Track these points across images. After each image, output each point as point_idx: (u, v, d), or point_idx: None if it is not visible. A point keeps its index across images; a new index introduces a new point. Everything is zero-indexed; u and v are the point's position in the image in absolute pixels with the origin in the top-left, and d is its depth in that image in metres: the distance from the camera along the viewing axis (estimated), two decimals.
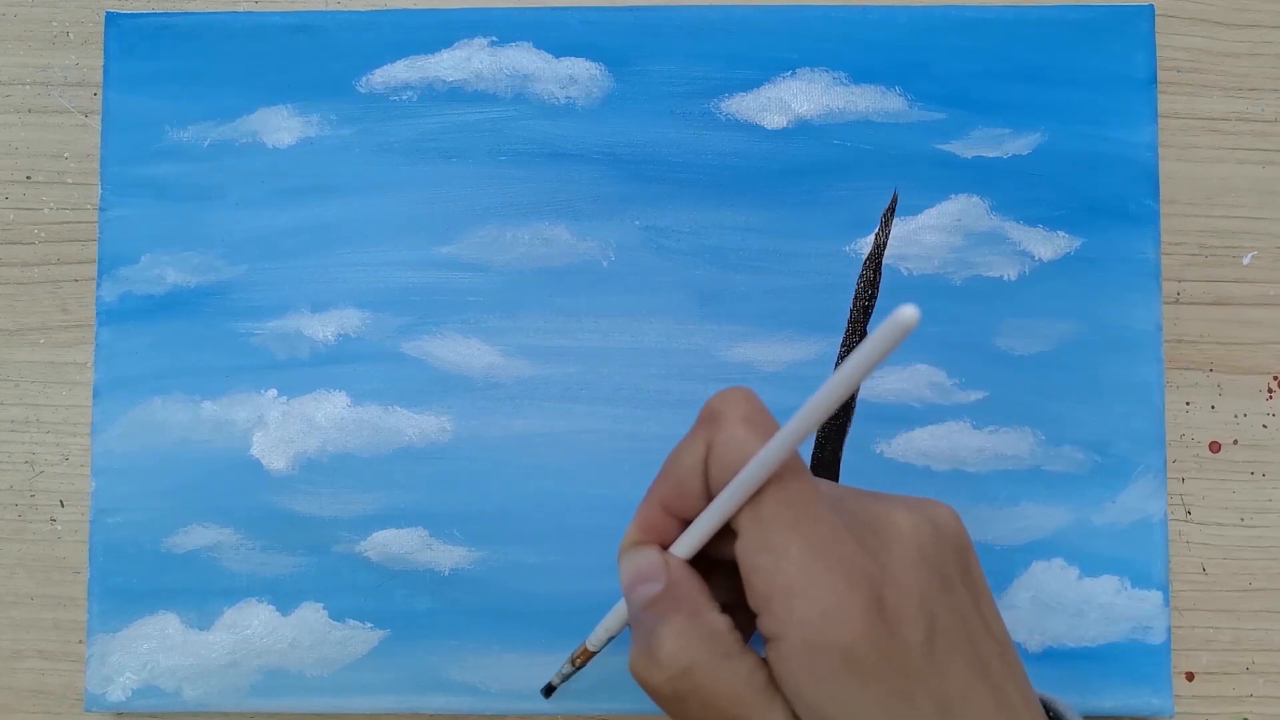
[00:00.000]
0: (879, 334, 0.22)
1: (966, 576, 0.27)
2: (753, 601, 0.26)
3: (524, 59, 0.40)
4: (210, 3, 0.41)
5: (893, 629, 0.24)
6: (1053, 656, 0.38)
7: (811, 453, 0.38)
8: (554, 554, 0.38)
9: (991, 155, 0.39)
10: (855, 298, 0.39)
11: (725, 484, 0.26)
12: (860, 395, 0.39)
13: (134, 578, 0.38)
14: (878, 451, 0.39)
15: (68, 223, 0.41)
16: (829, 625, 0.24)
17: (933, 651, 0.25)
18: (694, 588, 0.27)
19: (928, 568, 0.25)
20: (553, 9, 0.40)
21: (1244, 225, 0.40)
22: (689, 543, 0.28)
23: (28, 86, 0.41)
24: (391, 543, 0.38)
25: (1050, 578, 0.38)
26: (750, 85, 0.40)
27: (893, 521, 0.26)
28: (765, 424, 0.27)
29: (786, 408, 0.39)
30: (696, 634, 0.26)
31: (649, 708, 0.33)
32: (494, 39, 0.40)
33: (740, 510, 0.26)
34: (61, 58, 0.41)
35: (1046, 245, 0.39)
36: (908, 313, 0.21)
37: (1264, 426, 0.40)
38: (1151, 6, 0.40)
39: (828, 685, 0.24)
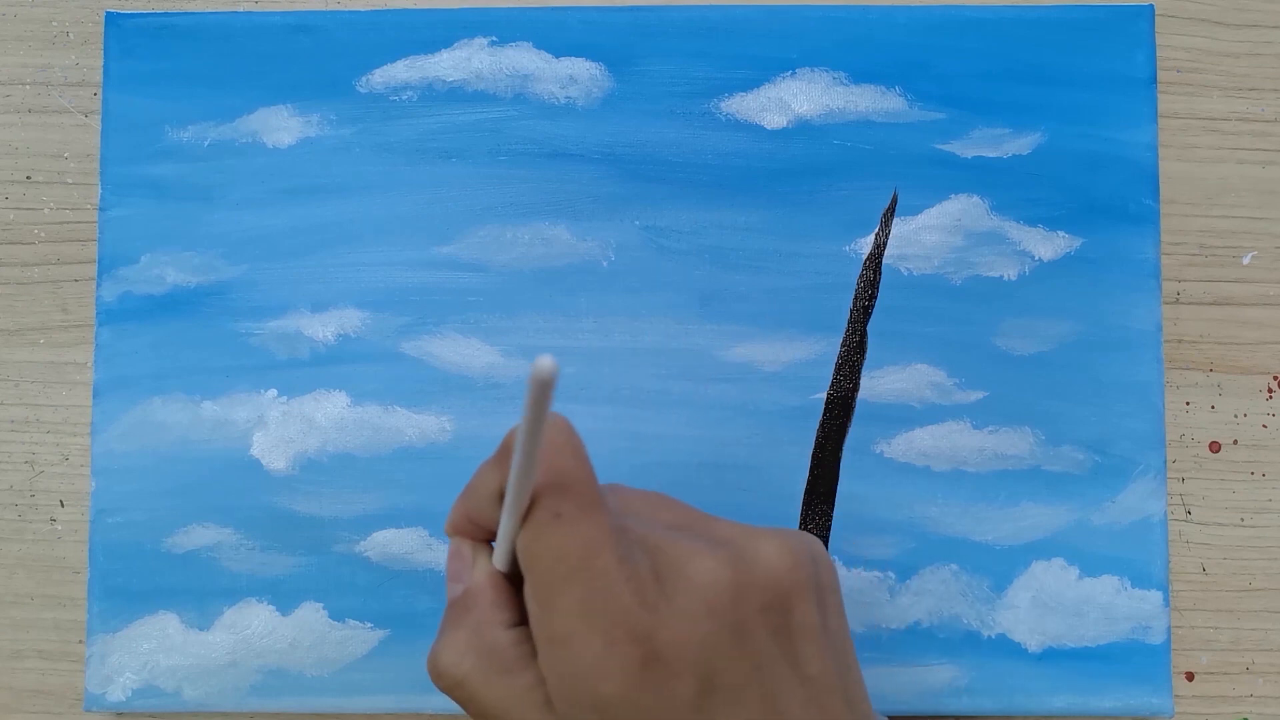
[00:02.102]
0: (528, 398, 0.22)
1: (776, 622, 0.25)
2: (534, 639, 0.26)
3: (524, 59, 0.40)
4: (210, 3, 0.41)
5: (658, 684, 0.24)
6: (1053, 656, 0.38)
7: (811, 453, 0.38)
8: None
9: (991, 155, 0.39)
10: (855, 298, 0.39)
11: None
12: (860, 395, 0.39)
13: (134, 578, 0.38)
14: (878, 451, 0.39)
15: (68, 223, 0.41)
16: (587, 680, 0.24)
17: (706, 706, 0.24)
18: (488, 599, 0.27)
19: (713, 619, 0.25)
20: (553, 9, 0.40)
21: (1244, 225, 0.40)
22: (498, 559, 0.28)
23: (28, 86, 0.41)
24: (391, 543, 0.38)
25: (1050, 578, 0.38)
26: (750, 85, 0.40)
27: (686, 570, 0.25)
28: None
29: (786, 407, 0.39)
30: (474, 648, 0.26)
31: None
32: (494, 39, 0.40)
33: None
34: (61, 58, 0.41)
35: (1046, 245, 0.39)
36: (544, 365, 0.21)
37: (1264, 426, 0.40)
38: (1151, 6, 0.40)
39: None
